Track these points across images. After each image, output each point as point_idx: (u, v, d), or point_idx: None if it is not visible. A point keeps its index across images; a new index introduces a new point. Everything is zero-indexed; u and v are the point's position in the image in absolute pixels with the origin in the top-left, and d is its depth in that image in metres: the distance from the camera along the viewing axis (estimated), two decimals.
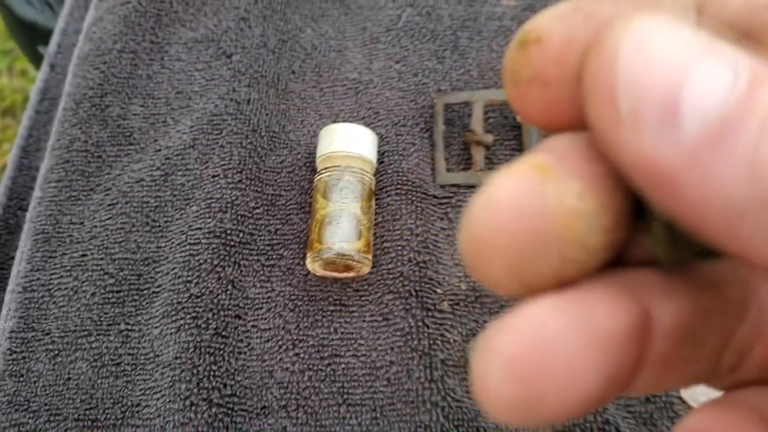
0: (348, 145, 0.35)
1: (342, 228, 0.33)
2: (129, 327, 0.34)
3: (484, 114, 0.36)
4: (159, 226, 0.36)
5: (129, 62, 0.40)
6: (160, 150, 0.38)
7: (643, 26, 0.11)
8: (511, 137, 0.37)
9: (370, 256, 0.34)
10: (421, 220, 0.35)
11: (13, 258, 0.39)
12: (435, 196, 0.36)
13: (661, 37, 0.11)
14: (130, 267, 0.35)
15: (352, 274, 0.34)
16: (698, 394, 0.31)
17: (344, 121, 0.38)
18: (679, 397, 0.31)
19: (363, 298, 0.34)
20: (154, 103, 0.39)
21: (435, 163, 0.37)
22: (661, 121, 0.10)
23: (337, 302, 0.34)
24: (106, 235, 0.35)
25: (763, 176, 0.10)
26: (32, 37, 0.68)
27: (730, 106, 0.10)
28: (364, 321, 0.34)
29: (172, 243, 0.35)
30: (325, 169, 0.35)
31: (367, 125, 0.37)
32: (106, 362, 0.33)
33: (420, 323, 0.33)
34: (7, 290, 0.35)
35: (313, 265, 0.34)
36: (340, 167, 0.34)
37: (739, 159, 0.10)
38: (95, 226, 0.36)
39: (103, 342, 0.33)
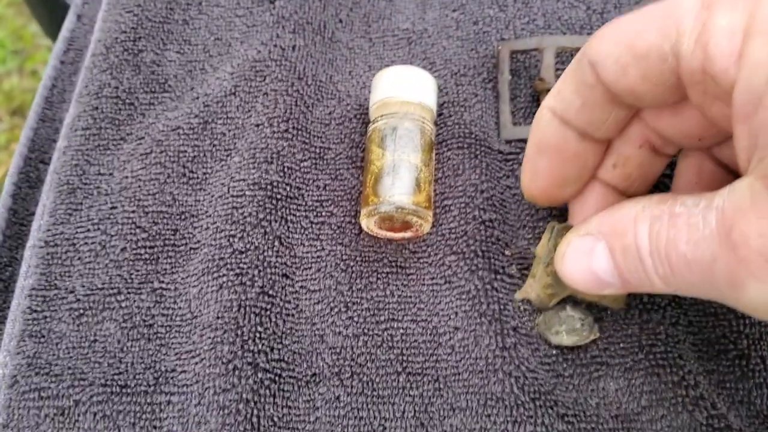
0: (406, 90, 0.31)
1: (401, 180, 0.30)
2: (163, 285, 0.30)
3: (555, 62, 0.33)
4: (197, 177, 0.32)
5: (164, 6, 0.37)
6: (197, 98, 0.34)
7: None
8: None
9: (431, 213, 0.30)
10: (486, 175, 0.31)
11: (33, 213, 0.36)
12: (500, 152, 0.32)
13: None
14: (164, 221, 0.31)
15: (409, 234, 0.31)
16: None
17: None
18: None
19: (421, 260, 0.31)
20: (191, 50, 0.36)
21: (500, 116, 0.33)
22: None
23: (393, 263, 0.31)
24: (139, 187, 0.32)
25: None
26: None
27: None
28: (423, 284, 0.30)
29: (213, 195, 0.32)
30: (381, 116, 0.31)
31: None
32: (137, 323, 0.29)
33: (488, 286, 0.29)
34: (27, 246, 0.32)
35: (368, 222, 0.30)
36: (397, 114, 0.31)
37: None
38: (126, 177, 0.32)
39: (134, 301, 0.30)
